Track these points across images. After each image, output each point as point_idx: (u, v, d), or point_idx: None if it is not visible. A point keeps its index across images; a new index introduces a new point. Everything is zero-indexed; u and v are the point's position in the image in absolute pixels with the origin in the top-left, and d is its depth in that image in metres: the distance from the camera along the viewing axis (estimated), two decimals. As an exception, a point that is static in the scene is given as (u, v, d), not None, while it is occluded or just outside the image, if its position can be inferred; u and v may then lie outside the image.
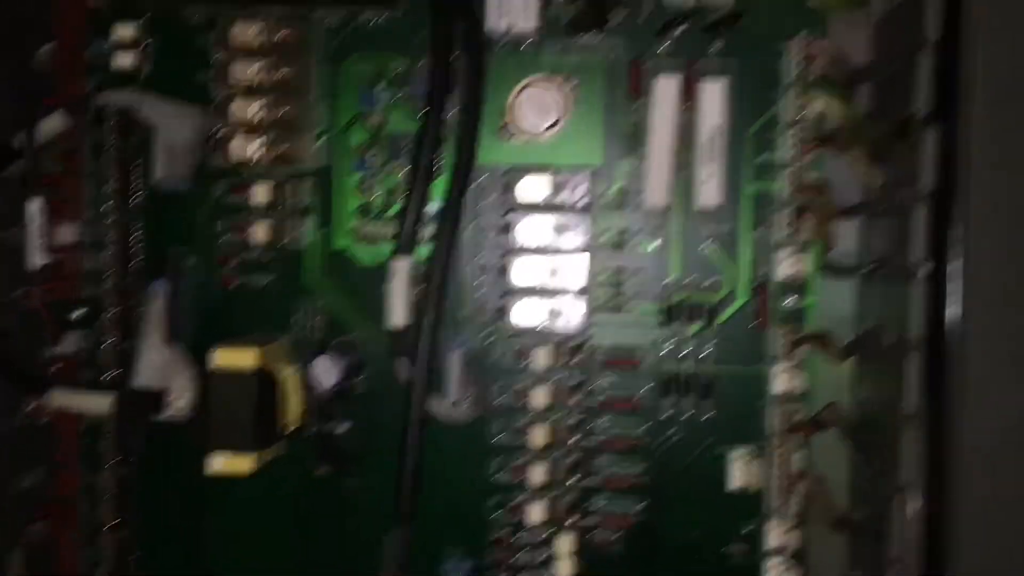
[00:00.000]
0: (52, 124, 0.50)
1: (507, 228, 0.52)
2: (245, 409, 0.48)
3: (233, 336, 0.53)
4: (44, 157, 0.53)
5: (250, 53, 0.50)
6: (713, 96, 0.51)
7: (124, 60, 0.53)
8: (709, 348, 0.53)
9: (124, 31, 0.53)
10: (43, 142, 0.51)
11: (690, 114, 0.51)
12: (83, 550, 0.55)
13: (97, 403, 0.50)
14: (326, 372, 0.50)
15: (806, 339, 0.50)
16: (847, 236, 0.55)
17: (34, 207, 0.50)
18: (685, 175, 0.52)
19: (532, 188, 0.51)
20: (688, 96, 0.51)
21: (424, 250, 0.51)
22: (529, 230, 0.51)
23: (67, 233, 0.53)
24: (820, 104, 0.47)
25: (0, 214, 0.52)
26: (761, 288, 0.52)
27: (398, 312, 0.50)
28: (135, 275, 0.55)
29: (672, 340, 0.53)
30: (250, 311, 0.55)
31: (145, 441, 0.54)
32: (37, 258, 0.50)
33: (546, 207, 0.51)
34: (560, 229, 0.51)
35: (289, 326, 0.55)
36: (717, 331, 0.53)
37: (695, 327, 0.53)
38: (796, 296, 0.52)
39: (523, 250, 0.51)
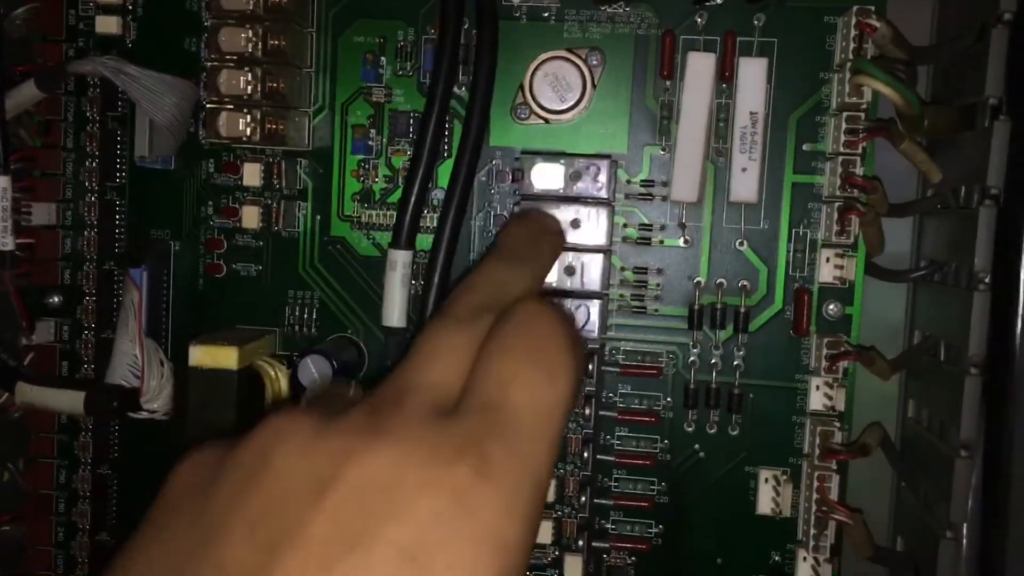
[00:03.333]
0: (24, 94, 0.46)
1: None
2: (225, 413, 0.44)
3: (220, 330, 0.49)
4: (18, 130, 0.49)
5: (242, 19, 0.45)
6: (754, 76, 0.45)
7: (107, 25, 0.49)
8: (740, 357, 0.48)
9: (106, -8, 0.49)
10: (15, 114, 0.47)
11: (727, 96, 0.46)
12: (57, 552, 0.52)
13: (66, 399, 0.46)
14: (314, 374, 0.45)
15: (849, 353, 0.45)
16: (900, 235, 0.49)
17: (2, 184, 0.45)
18: (720, 165, 0.47)
19: (548, 175, 0.46)
20: (725, 76, 0.46)
21: (426, 241, 0.46)
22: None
23: (43, 213, 0.49)
24: (874, 88, 0.42)
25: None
26: (800, 292, 0.47)
27: (395, 310, 0.45)
28: (117, 260, 0.51)
29: (699, 347, 0.48)
30: (239, 302, 0.50)
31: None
32: (7, 240, 0.46)
33: (563, 197, 0.46)
34: (577, 222, 0.46)
35: (281, 319, 0.50)
36: (749, 339, 0.48)
37: (725, 334, 0.48)
38: (839, 303, 0.47)
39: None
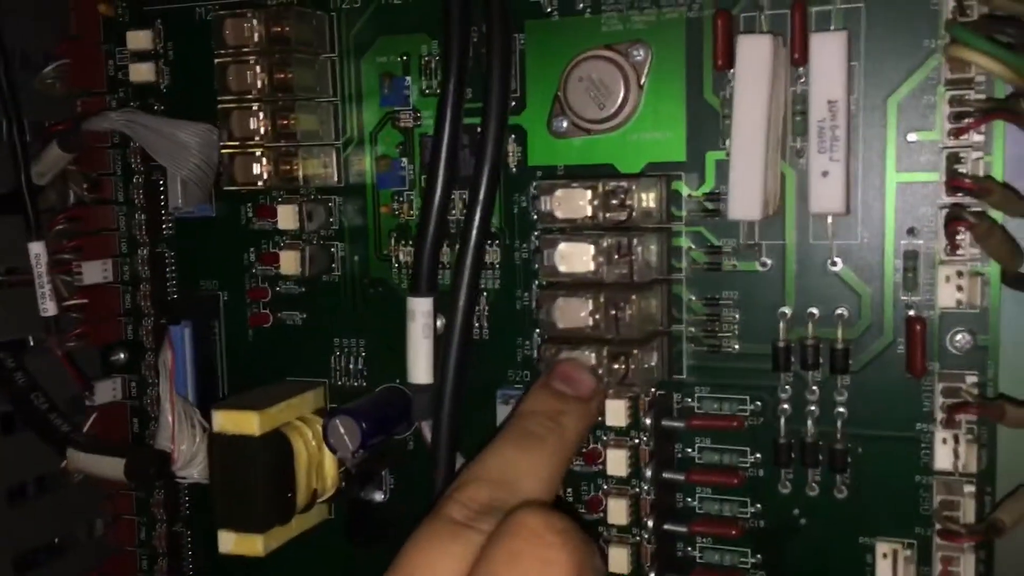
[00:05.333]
0: (51, 156, 0.45)
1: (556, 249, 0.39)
2: (248, 479, 0.41)
3: (271, 382, 0.46)
4: (67, 188, 0.48)
5: (248, 54, 0.42)
6: (829, 56, 0.36)
7: (141, 73, 0.47)
8: (842, 403, 0.38)
9: (137, 39, 0.47)
10: (52, 175, 0.46)
11: (805, 83, 0.37)
12: (142, 609, 0.51)
13: (110, 466, 0.45)
14: (343, 436, 0.41)
15: (969, 405, 0.34)
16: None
17: (36, 251, 0.45)
18: (801, 167, 0.38)
19: (593, 195, 0.39)
20: (795, 59, 0.37)
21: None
22: (585, 251, 0.39)
23: (95, 272, 0.48)
24: (973, 61, 0.31)
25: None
26: (912, 322, 0.37)
27: (420, 365, 0.40)
28: (168, 314, 0.49)
29: (790, 392, 0.39)
30: (287, 353, 0.47)
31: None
32: (49, 306, 0.45)
33: (612, 221, 0.38)
34: (629, 247, 0.38)
35: (329, 370, 0.46)
36: (853, 380, 0.38)
37: (821, 375, 0.39)
38: (969, 332, 0.36)
39: (580, 277, 0.39)
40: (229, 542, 0.42)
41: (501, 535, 0.26)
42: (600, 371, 0.37)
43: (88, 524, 0.51)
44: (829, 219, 0.38)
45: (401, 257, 0.44)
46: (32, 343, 0.49)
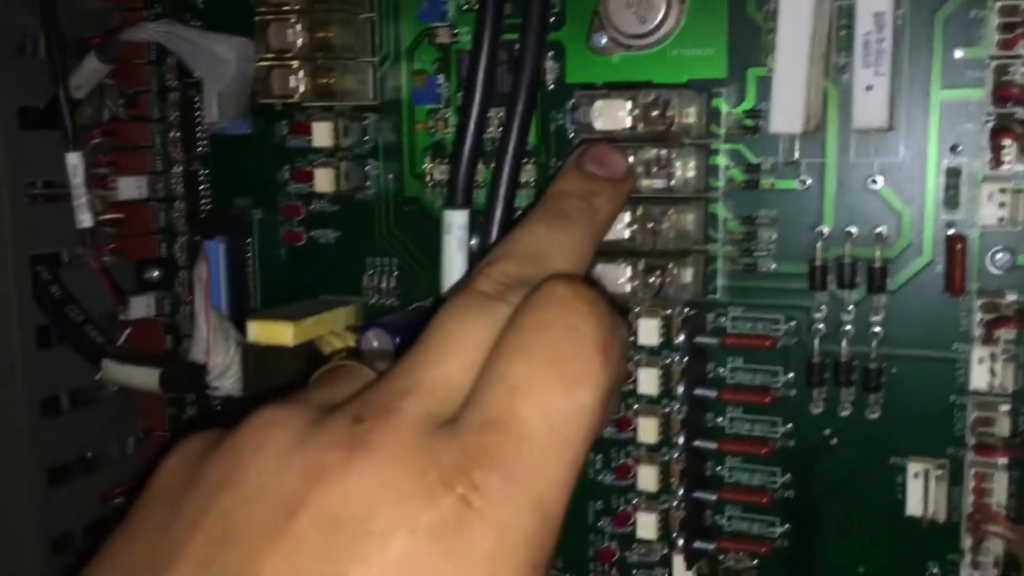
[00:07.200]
0: (88, 68, 0.45)
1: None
2: (282, 391, 0.41)
3: (305, 300, 0.47)
4: (103, 104, 0.48)
5: (287, -35, 0.42)
6: (877, -33, 0.35)
7: (179, -15, 0.47)
8: (878, 323, 0.38)
9: (175, -49, 0.47)
10: (89, 88, 0.46)
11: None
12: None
13: (144, 376, 0.45)
14: (376, 348, 0.41)
15: (1007, 319, 0.34)
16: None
17: (73, 161, 0.45)
18: (844, 84, 0.37)
19: (631, 111, 0.38)
20: (842, -30, 0.36)
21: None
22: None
23: (130, 187, 0.49)
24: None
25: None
26: (953, 240, 0.37)
27: (454, 278, 0.40)
28: (201, 232, 0.49)
29: (825, 311, 0.39)
30: (320, 271, 0.47)
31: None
32: (85, 217, 0.46)
33: (651, 136, 0.38)
34: (669, 163, 0.38)
35: (361, 288, 0.47)
36: (889, 299, 0.38)
37: (858, 294, 0.38)
38: (1010, 251, 0.36)
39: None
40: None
41: (529, 304, 0.25)
42: (636, 283, 0.37)
43: (120, 441, 0.52)
44: (872, 135, 0.37)
45: (435, 175, 0.44)
46: (67, 259, 0.49)
